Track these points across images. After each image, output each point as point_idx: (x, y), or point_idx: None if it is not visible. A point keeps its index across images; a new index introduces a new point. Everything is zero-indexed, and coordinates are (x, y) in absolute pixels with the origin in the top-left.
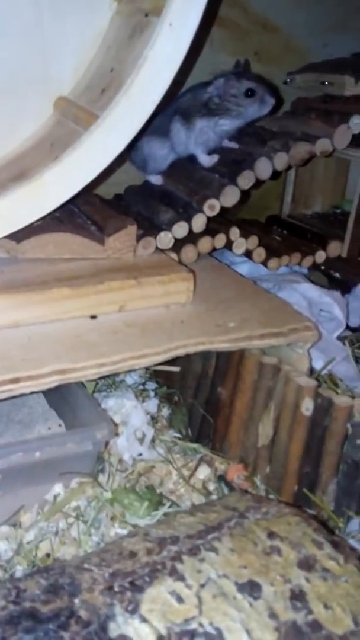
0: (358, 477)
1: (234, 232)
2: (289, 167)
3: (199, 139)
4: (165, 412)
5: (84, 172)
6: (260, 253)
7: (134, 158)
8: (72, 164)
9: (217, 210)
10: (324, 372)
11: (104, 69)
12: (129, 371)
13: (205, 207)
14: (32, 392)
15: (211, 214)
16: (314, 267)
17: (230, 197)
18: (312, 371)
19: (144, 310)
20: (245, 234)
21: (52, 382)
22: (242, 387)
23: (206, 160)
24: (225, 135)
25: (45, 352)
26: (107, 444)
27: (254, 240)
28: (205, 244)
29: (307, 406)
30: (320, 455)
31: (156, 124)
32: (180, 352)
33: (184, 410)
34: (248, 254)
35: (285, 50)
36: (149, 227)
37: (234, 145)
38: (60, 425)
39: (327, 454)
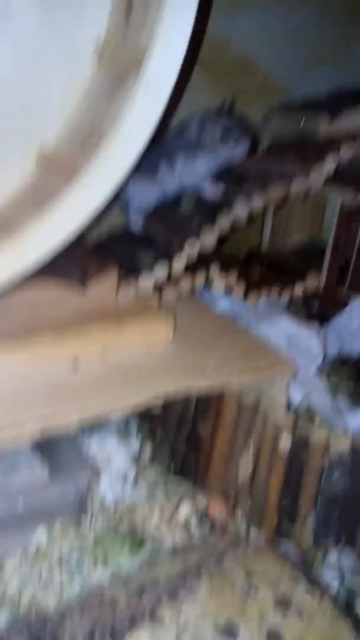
0: (335, 510)
1: (214, 270)
2: (266, 208)
3: (182, 178)
4: (148, 448)
5: (65, 228)
6: (239, 288)
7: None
8: (54, 221)
9: (196, 251)
10: (302, 405)
11: (85, 122)
12: None
13: (186, 249)
14: None
15: (191, 253)
16: (293, 299)
17: (209, 238)
18: (290, 404)
19: (126, 352)
20: (224, 272)
21: (34, 433)
22: (222, 425)
23: (211, 190)
24: (205, 175)
25: (27, 401)
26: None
27: (233, 276)
28: (185, 284)
29: (285, 442)
30: (299, 489)
31: (141, 163)
32: (162, 396)
33: (166, 445)
34: (228, 289)
35: (264, 89)
36: (130, 270)
37: (216, 188)
38: (42, 467)
39: (306, 488)
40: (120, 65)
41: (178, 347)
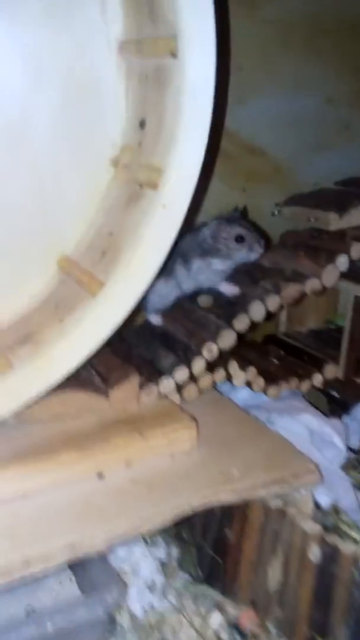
0: None
1: (233, 366)
2: (281, 307)
3: (199, 278)
4: (174, 552)
5: (88, 345)
6: (259, 383)
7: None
8: (77, 338)
9: (215, 354)
10: (329, 506)
11: (103, 231)
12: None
13: (204, 351)
14: None
15: (210, 357)
16: (312, 388)
17: (226, 339)
18: (317, 507)
19: (150, 462)
20: (243, 366)
21: (63, 558)
22: (248, 530)
23: (228, 289)
24: (221, 274)
25: (54, 525)
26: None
27: (252, 371)
28: (205, 381)
29: (314, 552)
30: (330, 601)
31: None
32: (188, 510)
33: (193, 550)
34: (248, 383)
35: (274, 173)
36: (151, 373)
37: (232, 289)
38: (70, 580)
39: (337, 601)
40: (134, 181)
41: (202, 454)
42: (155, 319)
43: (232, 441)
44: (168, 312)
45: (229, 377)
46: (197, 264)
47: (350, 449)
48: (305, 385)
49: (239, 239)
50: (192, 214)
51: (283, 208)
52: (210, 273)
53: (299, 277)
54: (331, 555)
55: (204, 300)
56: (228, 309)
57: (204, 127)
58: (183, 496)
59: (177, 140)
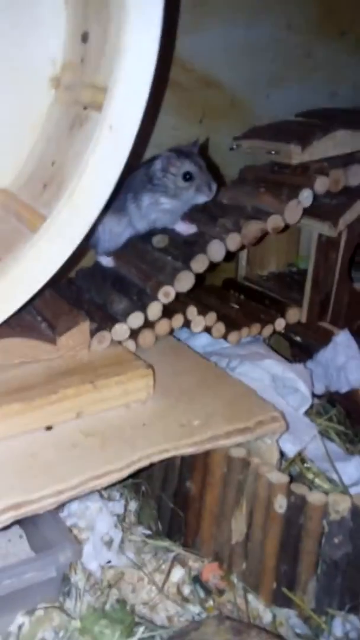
0: (338, 575)
1: (191, 311)
2: (242, 246)
3: (150, 217)
4: (133, 505)
5: (29, 286)
6: (219, 328)
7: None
8: (15, 279)
9: (172, 297)
10: (294, 454)
11: (44, 161)
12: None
13: (160, 295)
14: None
15: (166, 301)
16: (274, 334)
17: (184, 282)
18: (282, 455)
19: (103, 413)
20: (202, 311)
21: (6, 520)
22: (211, 481)
23: (184, 228)
24: (172, 213)
25: None
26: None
27: (211, 316)
28: (162, 326)
29: (280, 503)
30: (298, 553)
31: (111, 200)
32: (144, 463)
33: (152, 503)
34: (207, 329)
35: (231, 106)
36: (103, 318)
37: (189, 229)
38: (21, 537)
39: (305, 553)
40: (78, 102)
41: (160, 401)
42: (106, 261)
43: (191, 390)
44: (120, 254)
45: (187, 323)
46: (146, 200)
47: (314, 395)
48: (267, 330)
49: (187, 177)
50: (141, 147)
51: (242, 142)
52: (160, 212)
53: (260, 214)
54: (298, 505)
55: (159, 240)
56: (185, 249)
57: (152, 39)
58: (139, 449)
59: (123, 54)
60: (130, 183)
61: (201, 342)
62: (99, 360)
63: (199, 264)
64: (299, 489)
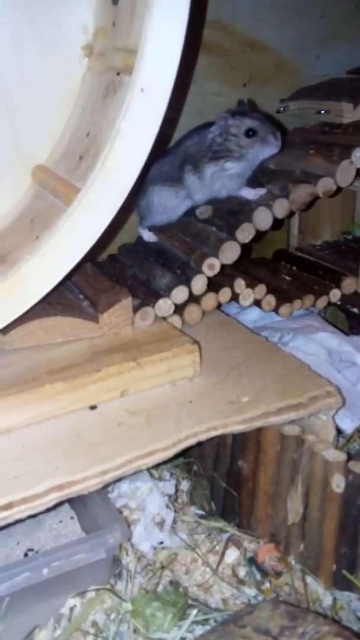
0: None
1: (239, 284)
2: (291, 213)
3: (212, 185)
4: (185, 485)
5: (65, 260)
6: (269, 301)
7: (140, 204)
8: (51, 253)
9: (217, 269)
10: (354, 428)
11: (80, 133)
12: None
13: (205, 267)
14: None
15: (211, 273)
16: (329, 305)
17: (230, 253)
18: (339, 432)
19: (148, 391)
20: (251, 284)
21: (50, 501)
22: (264, 460)
23: (251, 193)
24: (238, 179)
25: (41, 462)
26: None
27: (261, 289)
28: (209, 301)
29: (338, 482)
30: (358, 534)
31: (165, 170)
32: (191, 441)
33: (204, 483)
34: (257, 303)
35: (278, 68)
36: (146, 294)
37: (257, 192)
38: (72, 518)
39: None
40: (111, 69)
41: (207, 378)
42: (148, 235)
43: (241, 365)
44: (163, 227)
45: (235, 297)
46: (210, 169)
47: None
48: (321, 302)
49: (251, 133)
50: (174, 113)
51: (290, 103)
52: (226, 179)
53: (309, 177)
54: (357, 484)
55: (202, 211)
56: (230, 218)
57: None
58: (185, 427)
59: (152, 11)
60: (184, 153)
61: (252, 316)
62: (142, 337)
63: (245, 234)
64: (357, 467)
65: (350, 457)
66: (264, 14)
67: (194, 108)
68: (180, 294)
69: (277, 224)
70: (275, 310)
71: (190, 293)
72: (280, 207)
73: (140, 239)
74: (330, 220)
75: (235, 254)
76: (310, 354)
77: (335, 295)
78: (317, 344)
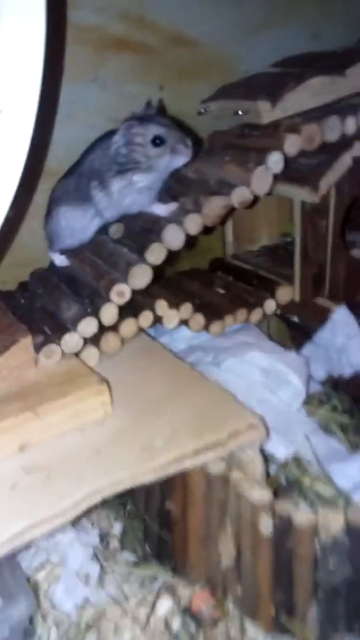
0: (340, 601)
1: (161, 305)
2: (207, 229)
3: (121, 202)
4: (117, 527)
5: None
6: (198, 320)
7: (46, 228)
8: None
9: (127, 297)
10: (289, 455)
11: None
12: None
13: (113, 295)
14: None
15: (121, 301)
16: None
17: (140, 278)
18: (268, 461)
19: (52, 441)
20: (176, 302)
21: None
22: (191, 500)
23: (162, 209)
24: (149, 192)
25: None
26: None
27: (187, 308)
28: (127, 327)
29: (265, 525)
30: (292, 578)
31: (70, 189)
32: (95, 499)
33: (137, 524)
34: (184, 322)
35: (209, 64)
36: (53, 328)
37: (169, 208)
38: None
39: (299, 579)
40: None
41: (120, 419)
42: (60, 260)
43: (159, 400)
44: (74, 251)
45: (158, 319)
46: (116, 184)
47: (320, 382)
48: (255, 315)
49: (158, 141)
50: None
51: (210, 104)
52: (135, 193)
53: (224, 187)
54: (285, 526)
55: (115, 231)
56: (140, 238)
57: None
58: (88, 483)
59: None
60: (89, 168)
61: (187, 333)
62: (47, 379)
63: (155, 255)
64: (284, 507)
65: (277, 493)
66: (188, 5)
67: (112, 114)
68: (88, 326)
69: (208, 230)
70: (206, 328)
71: (101, 324)
72: (192, 223)
73: (50, 265)
74: (267, 222)
75: (146, 277)
76: (243, 375)
77: (270, 306)
78: (249, 364)
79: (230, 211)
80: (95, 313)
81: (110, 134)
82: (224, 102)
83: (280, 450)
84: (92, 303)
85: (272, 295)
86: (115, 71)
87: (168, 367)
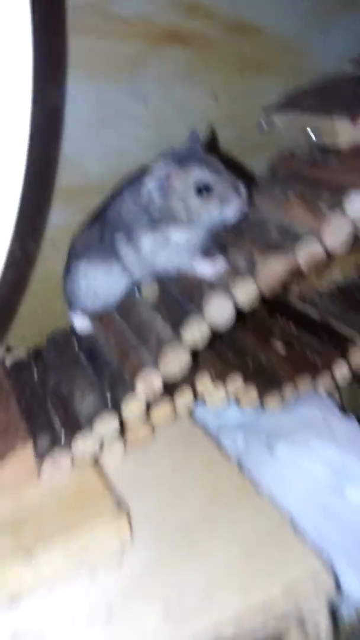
0: None
1: (203, 381)
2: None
3: (153, 259)
4: None
5: None
6: (249, 395)
7: (65, 287)
8: None
9: (157, 387)
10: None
11: None
12: None
13: (140, 385)
14: None
15: (150, 392)
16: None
17: (173, 364)
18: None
19: (52, 591)
20: (222, 373)
21: None
22: None
23: (207, 269)
24: (188, 249)
25: None
26: None
27: (235, 381)
28: (161, 412)
29: None
30: None
31: (92, 241)
32: None
33: None
34: (233, 400)
35: (278, 55)
36: (65, 422)
37: (215, 267)
38: None
39: None
40: None
41: (140, 564)
42: (81, 324)
43: (192, 526)
44: (101, 313)
45: (199, 399)
46: (147, 240)
47: None
48: (322, 382)
49: (202, 190)
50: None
51: (274, 117)
52: (171, 251)
53: (287, 237)
54: None
55: (147, 293)
56: (177, 307)
57: None
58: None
59: None
60: (115, 215)
61: (233, 413)
62: (51, 499)
63: (194, 333)
64: None
65: None
66: None
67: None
68: (107, 425)
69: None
70: (261, 402)
71: (121, 422)
72: (244, 291)
73: (70, 329)
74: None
75: (182, 362)
76: (303, 471)
77: (341, 370)
78: (313, 455)
79: (298, 273)
80: (116, 406)
81: (138, 178)
82: (291, 116)
83: (354, 585)
84: (113, 391)
85: (344, 355)
86: (160, 70)
87: (209, 469)
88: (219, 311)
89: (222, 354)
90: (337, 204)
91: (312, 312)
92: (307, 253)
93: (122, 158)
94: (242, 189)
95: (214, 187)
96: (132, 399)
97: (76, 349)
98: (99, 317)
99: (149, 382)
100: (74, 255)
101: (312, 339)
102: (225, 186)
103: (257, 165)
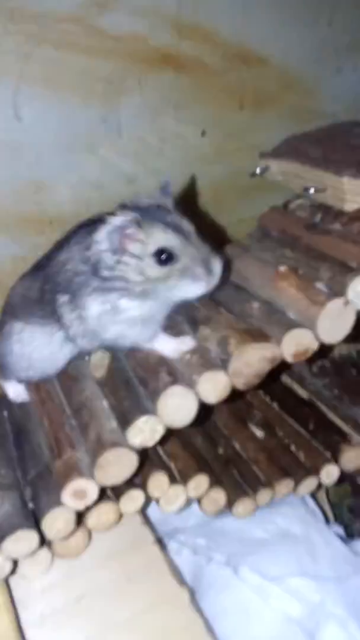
0: None
1: (158, 481)
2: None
3: (104, 331)
4: None
5: None
6: (215, 499)
7: None
8: None
9: (91, 500)
10: None
11: None
12: None
13: (67, 495)
14: None
15: (80, 505)
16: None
17: (115, 474)
18: None
19: None
20: (185, 472)
21: None
22: None
23: (170, 346)
24: (151, 324)
25: None
26: None
27: (200, 482)
28: (100, 519)
29: None
30: None
31: (32, 295)
32: None
33: None
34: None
35: (282, 90)
36: None
37: (180, 346)
38: None
39: None
40: None
41: None
42: (15, 392)
43: None
44: (39, 382)
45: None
46: (94, 308)
47: None
48: (305, 488)
49: (165, 257)
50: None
51: (271, 162)
52: (123, 324)
53: (273, 323)
54: None
55: (95, 364)
56: (126, 396)
57: None
58: None
59: None
60: (58, 272)
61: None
62: None
63: (143, 434)
64: None
65: None
66: (255, 15)
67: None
68: (21, 543)
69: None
70: (229, 508)
71: (42, 537)
72: (212, 385)
73: (4, 400)
74: None
75: (125, 468)
76: (271, 601)
77: (330, 474)
78: (287, 588)
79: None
80: (37, 521)
81: (94, 223)
82: (290, 164)
83: None
84: (36, 501)
85: (335, 455)
86: (147, 95)
87: (155, 595)
88: (177, 410)
89: (187, 440)
90: (338, 286)
91: (300, 391)
92: (295, 345)
93: (95, 189)
94: (216, 264)
95: (180, 257)
96: (56, 512)
97: (6, 425)
98: (35, 387)
99: (80, 494)
100: (9, 312)
101: (298, 427)
102: (193, 258)
103: (247, 210)
